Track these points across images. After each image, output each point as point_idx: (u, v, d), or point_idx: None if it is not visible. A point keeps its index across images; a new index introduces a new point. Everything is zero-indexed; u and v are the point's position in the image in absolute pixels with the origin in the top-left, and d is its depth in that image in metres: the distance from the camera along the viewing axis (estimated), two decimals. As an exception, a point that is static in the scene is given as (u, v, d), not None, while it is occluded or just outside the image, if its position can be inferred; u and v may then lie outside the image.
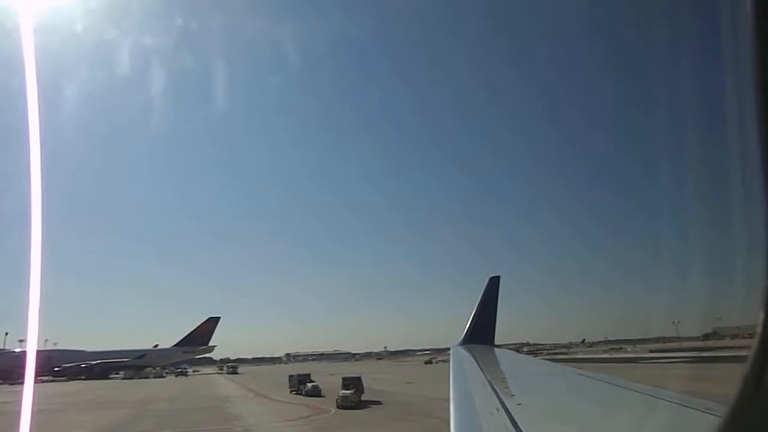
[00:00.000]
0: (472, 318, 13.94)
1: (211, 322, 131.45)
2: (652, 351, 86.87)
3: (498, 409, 4.44)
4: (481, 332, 13.47)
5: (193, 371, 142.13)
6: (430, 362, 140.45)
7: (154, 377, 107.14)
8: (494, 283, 14.72)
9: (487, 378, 6.70)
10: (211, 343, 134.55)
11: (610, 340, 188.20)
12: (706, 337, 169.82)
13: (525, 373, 8.71)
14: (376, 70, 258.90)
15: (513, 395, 5.17)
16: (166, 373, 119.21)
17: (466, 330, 13.64)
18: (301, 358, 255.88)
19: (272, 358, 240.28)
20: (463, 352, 11.17)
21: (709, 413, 3.43)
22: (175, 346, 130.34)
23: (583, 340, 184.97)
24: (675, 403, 4.26)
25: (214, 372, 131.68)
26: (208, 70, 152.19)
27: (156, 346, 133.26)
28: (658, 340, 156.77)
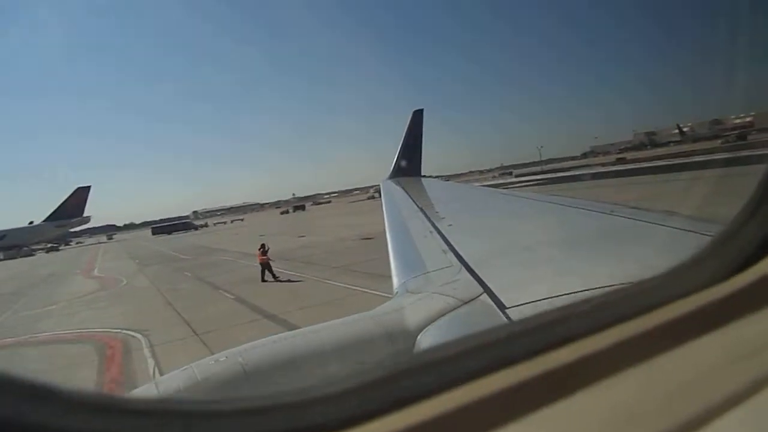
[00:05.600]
0: (399, 152, 14.25)
1: (82, 192, 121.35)
2: (517, 176, 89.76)
3: (431, 232, 4.83)
4: (408, 165, 13.98)
5: (77, 243, 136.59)
6: (286, 212, 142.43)
7: (22, 257, 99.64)
8: (418, 117, 14.95)
9: (418, 205, 7.26)
10: (88, 213, 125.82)
11: (504, 166, 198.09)
12: (585, 155, 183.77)
13: (452, 197, 9.03)
14: None
15: (443, 218, 5.81)
16: (38, 250, 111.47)
17: (393, 164, 13.98)
18: (209, 214, 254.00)
19: (178, 218, 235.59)
20: (392, 184, 11.44)
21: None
22: (45, 221, 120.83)
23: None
24: (593, 210, 4.71)
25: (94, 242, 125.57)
26: None
27: (31, 223, 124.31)
28: (547, 161, 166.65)
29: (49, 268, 55.91)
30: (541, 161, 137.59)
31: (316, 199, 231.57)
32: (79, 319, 21.64)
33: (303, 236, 46.43)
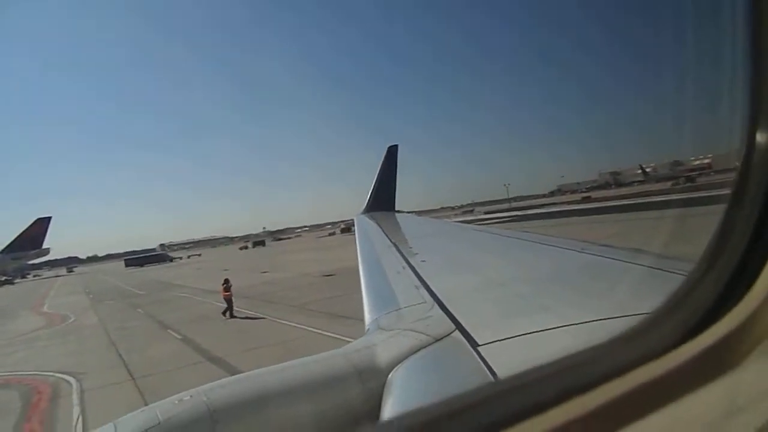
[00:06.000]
0: (374, 187, 14.19)
1: (41, 223, 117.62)
2: (487, 212, 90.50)
3: (404, 268, 4.78)
4: (383, 200, 13.94)
5: (34, 276, 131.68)
6: (246, 247, 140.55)
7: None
8: (392, 152, 14.98)
9: (391, 241, 7.26)
10: (48, 245, 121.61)
11: (476, 202, 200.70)
12: (552, 193, 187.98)
13: (426, 233, 8.96)
14: None
15: (416, 254, 5.76)
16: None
17: (368, 199, 13.97)
18: (176, 247, 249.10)
19: (144, 251, 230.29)
20: (366, 219, 11.48)
21: (600, 256, 4.07)
22: (1, 252, 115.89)
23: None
24: (563, 248, 4.70)
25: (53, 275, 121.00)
26: None
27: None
28: (516, 199, 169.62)
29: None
30: (509, 199, 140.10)
31: (276, 235, 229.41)
32: (14, 360, 20.31)
33: (266, 272, 45.40)
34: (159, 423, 2.06)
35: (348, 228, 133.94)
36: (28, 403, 13.89)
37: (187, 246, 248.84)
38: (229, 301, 23.58)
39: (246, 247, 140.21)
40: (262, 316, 22.38)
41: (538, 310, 2.95)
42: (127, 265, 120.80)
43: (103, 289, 54.24)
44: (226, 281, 24.12)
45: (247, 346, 16.74)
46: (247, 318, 22.49)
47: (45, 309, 40.99)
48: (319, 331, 17.28)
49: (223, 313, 23.26)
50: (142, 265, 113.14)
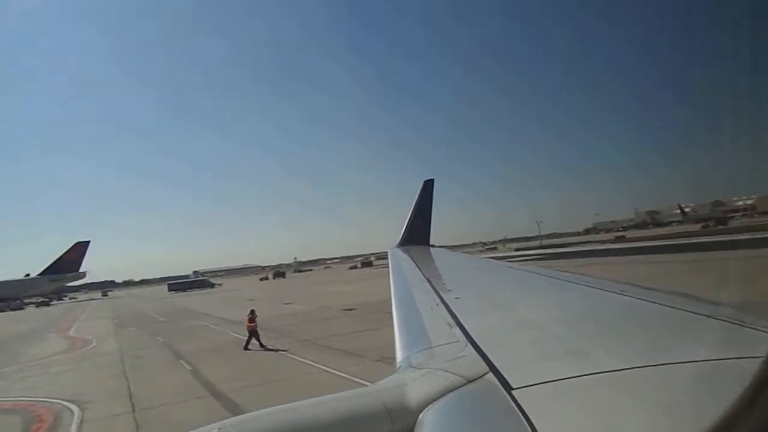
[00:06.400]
0: (408, 220, 14.23)
1: (80, 247, 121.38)
2: (517, 249, 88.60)
3: (438, 304, 4.71)
4: (417, 233, 13.89)
5: (70, 299, 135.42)
6: (266, 278, 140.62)
7: (12, 310, 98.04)
8: (428, 186, 15.00)
9: (425, 276, 7.09)
10: (87, 269, 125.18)
11: (508, 239, 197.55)
12: (587, 231, 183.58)
13: (461, 269, 8.91)
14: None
15: (450, 290, 5.65)
16: (29, 304, 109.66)
17: (402, 232, 13.96)
18: (209, 274, 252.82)
19: (177, 277, 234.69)
20: (400, 253, 11.41)
21: (636, 298, 4.00)
22: (40, 274, 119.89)
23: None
24: (601, 288, 4.58)
25: (88, 299, 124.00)
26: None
27: (27, 275, 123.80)
28: (550, 236, 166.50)
29: (29, 324, 54.89)
30: (541, 236, 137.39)
31: (300, 267, 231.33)
32: (27, 384, 20.35)
33: (289, 303, 45.17)
34: None
35: (369, 262, 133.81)
36: (27, 431, 13.70)
37: (219, 274, 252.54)
38: (252, 332, 23.16)
39: (266, 278, 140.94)
40: (278, 348, 21.94)
41: (576, 354, 2.76)
42: (170, 290, 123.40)
43: (129, 315, 55.27)
44: (252, 312, 23.69)
45: (255, 381, 16.24)
46: (266, 348, 22.14)
47: (71, 333, 41.67)
48: (329, 369, 16.74)
49: (261, 345, 22.90)
50: (185, 290, 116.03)
